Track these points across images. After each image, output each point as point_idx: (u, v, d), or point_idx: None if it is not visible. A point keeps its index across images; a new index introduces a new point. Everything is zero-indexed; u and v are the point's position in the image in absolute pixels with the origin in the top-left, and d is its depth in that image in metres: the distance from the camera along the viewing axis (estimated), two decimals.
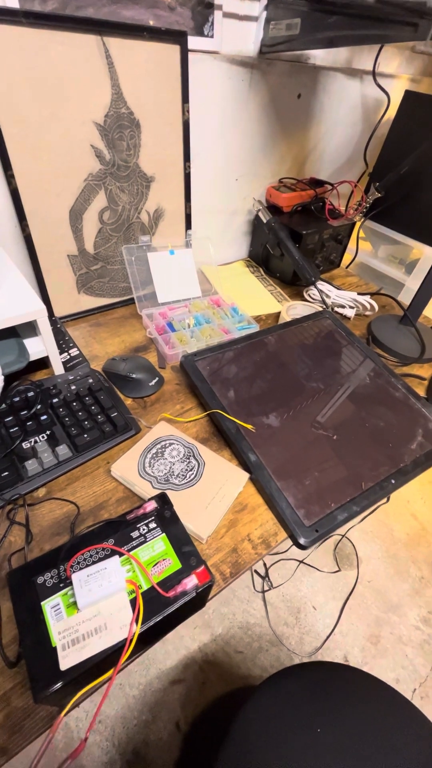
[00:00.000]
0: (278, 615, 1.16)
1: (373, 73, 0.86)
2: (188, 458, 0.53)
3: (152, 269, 0.78)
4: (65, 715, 0.28)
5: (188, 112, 0.70)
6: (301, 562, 1.26)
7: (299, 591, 1.21)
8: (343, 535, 1.32)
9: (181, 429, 0.58)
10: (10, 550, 0.44)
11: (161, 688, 1.00)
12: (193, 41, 0.66)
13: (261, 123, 0.84)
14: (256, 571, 1.23)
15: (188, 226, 0.83)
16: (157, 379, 0.64)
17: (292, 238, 0.87)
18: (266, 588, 1.20)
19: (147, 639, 0.34)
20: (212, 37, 0.69)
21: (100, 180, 0.67)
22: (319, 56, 0.83)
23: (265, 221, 0.89)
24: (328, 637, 1.12)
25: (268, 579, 1.21)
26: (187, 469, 0.52)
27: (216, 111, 0.76)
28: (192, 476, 0.51)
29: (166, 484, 0.50)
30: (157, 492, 0.48)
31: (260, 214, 0.90)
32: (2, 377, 0.52)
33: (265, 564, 1.24)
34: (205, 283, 0.87)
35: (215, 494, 0.50)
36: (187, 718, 0.96)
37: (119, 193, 0.71)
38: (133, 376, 0.63)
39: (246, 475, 0.53)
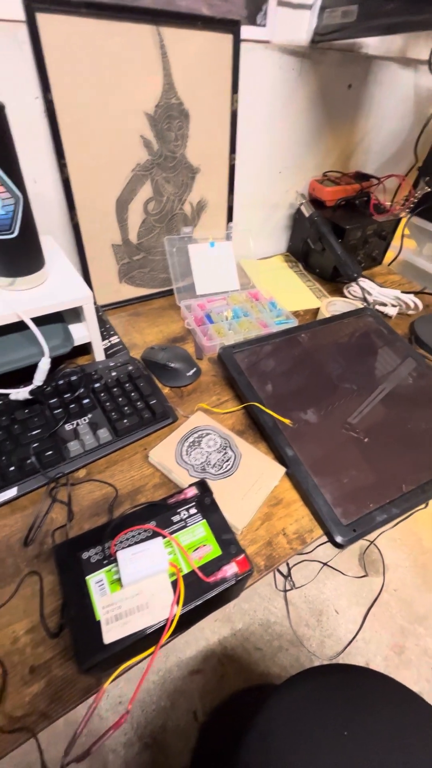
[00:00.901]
0: (299, 615, 1.14)
1: (429, 63, 0.82)
2: (225, 449, 0.53)
3: (192, 261, 0.78)
4: (107, 685, 0.28)
5: (237, 102, 0.70)
6: (324, 564, 1.24)
7: (322, 593, 1.20)
8: (371, 542, 1.29)
9: (218, 420, 0.58)
10: (52, 526, 0.45)
11: (180, 677, 1.01)
12: (245, 30, 0.65)
13: (308, 114, 0.83)
14: (278, 570, 1.22)
15: (230, 218, 0.83)
16: (194, 369, 0.65)
17: (334, 233, 0.85)
18: (288, 587, 1.19)
19: (183, 623, 0.35)
20: (264, 26, 0.68)
21: (147, 170, 0.68)
22: (372, 45, 0.80)
23: (307, 215, 0.88)
24: (350, 642, 1.10)
25: (291, 578, 1.20)
26: (223, 460, 0.52)
27: (264, 101, 0.76)
28: (228, 467, 0.51)
29: (202, 473, 0.50)
30: (195, 479, 0.48)
31: (303, 207, 0.89)
32: (49, 360, 0.54)
33: (288, 563, 1.23)
34: (243, 277, 0.86)
35: (251, 486, 0.49)
36: (204, 709, 0.97)
37: (165, 184, 0.71)
38: (172, 365, 0.63)
39: (282, 470, 0.52)
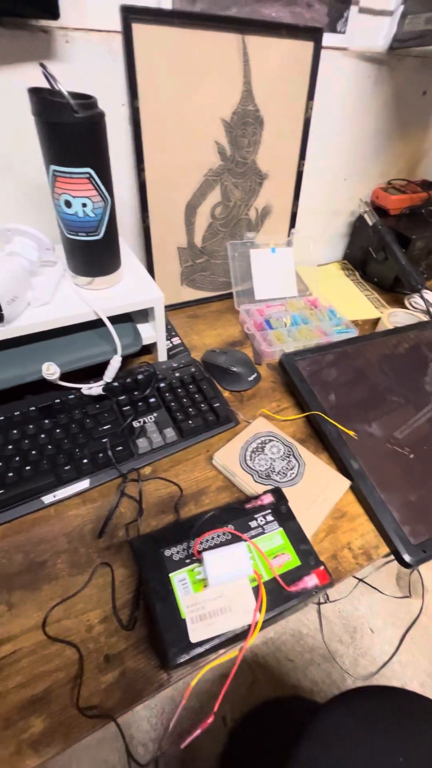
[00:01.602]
0: (332, 630, 1.12)
1: None
2: (288, 457, 0.53)
3: (253, 266, 0.79)
4: (194, 683, 0.29)
5: (311, 109, 0.69)
6: (360, 580, 1.20)
7: (357, 610, 1.16)
8: None
9: (279, 426, 0.58)
10: (121, 520, 0.47)
11: (210, 679, 1.01)
12: (326, 38, 0.65)
13: (379, 121, 0.81)
14: None
15: (292, 224, 0.83)
16: (255, 374, 0.65)
17: (398, 243, 0.83)
18: (322, 600, 1.16)
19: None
20: (344, 32, 0.68)
21: (218, 176, 0.69)
22: None
23: (370, 223, 0.86)
24: (385, 663, 1.06)
25: (325, 591, 1.18)
26: (287, 468, 0.51)
27: (336, 108, 0.75)
28: (293, 475, 0.51)
29: (267, 480, 0.50)
30: (260, 485, 0.48)
31: (366, 215, 0.87)
32: (121, 358, 0.55)
33: None
34: (299, 283, 0.85)
35: (317, 497, 0.49)
36: (233, 714, 0.96)
37: (233, 189, 0.72)
38: (234, 369, 0.63)
39: (347, 482, 0.51)
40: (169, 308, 0.79)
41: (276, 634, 1.09)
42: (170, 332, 0.72)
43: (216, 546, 0.34)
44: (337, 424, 0.56)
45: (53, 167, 0.44)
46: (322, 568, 0.34)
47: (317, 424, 0.57)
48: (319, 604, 1.16)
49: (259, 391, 0.65)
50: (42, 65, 0.39)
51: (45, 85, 0.41)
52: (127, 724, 0.93)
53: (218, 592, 0.32)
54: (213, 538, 0.35)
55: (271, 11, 0.60)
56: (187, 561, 0.34)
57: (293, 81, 0.66)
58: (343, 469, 0.53)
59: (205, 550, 0.34)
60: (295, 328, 0.74)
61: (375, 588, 1.19)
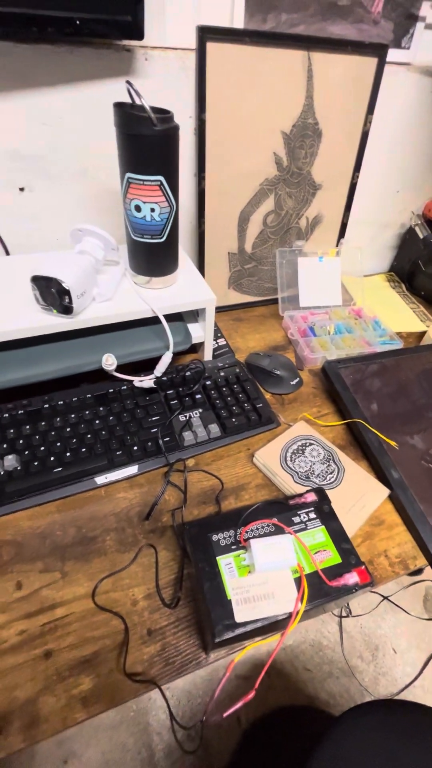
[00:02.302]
0: (353, 646, 1.10)
1: None
2: (328, 461, 0.54)
3: (300, 273, 0.80)
4: (237, 659, 0.31)
5: (370, 123, 0.71)
6: (385, 598, 1.18)
7: (380, 628, 1.14)
8: None
9: (319, 431, 0.59)
10: (166, 506, 0.49)
11: (227, 678, 1.02)
12: (389, 53, 0.66)
13: None
14: None
15: (341, 234, 0.84)
16: (298, 379, 0.66)
17: None
18: (344, 614, 1.15)
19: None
20: (408, 48, 0.69)
21: (273, 185, 0.71)
22: None
23: (421, 236, 0.85)
24: (407, 686, 1.03)
25: (347, 605, 1.16)
26: (327, 472, 0.52)
27: (394, 121, 0.76)
28: (332, 479, 0.52)
29: (306, 481, 0.51)
30: (299, 486, 0.50)
31: (417, 228, 0.87)
32: (172, 354, 0.59)
33: None
34: (344, 293, 0.86)
35: (355, 502, 0.50)
36: (248, 716, 0.97)
37: (286, 199, 0.74)
38: (277, 372, 0.65)
39: (386, 491, 0.51)
40: (216, 310, 0.82)
41: (295, 643, 1.09)
42: (217, 333, 0.74)
43: (260, 536, 0.36)
44: (378, 434, 0.57)
45: (128, 174, 0.48)
46: (363, 567, 0.35)
47: (358, 432, 0.58)
48: (340, 617, 1.14)
49: (300, 395, 0.66)
50: (128, 83, 0.42)
51: (123, 99, 0.45)
52: (144, 710, 0.96)
53: (262, 579, 0.34)
54: (258, 529, 0.37)
55: (338, 28, 0.62)
56: (233, 547, 0.36)
57: (354, 95, 0.67)
58: (383, 478, 0.53)
59: (250, 538, 0.36)
60: (339, 337, 0.75)
61: (400, 607, 1.16)
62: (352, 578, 0.35)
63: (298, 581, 0.34)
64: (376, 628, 1.14)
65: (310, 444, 0.56)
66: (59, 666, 0.37)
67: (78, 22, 0.45)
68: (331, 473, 0.52)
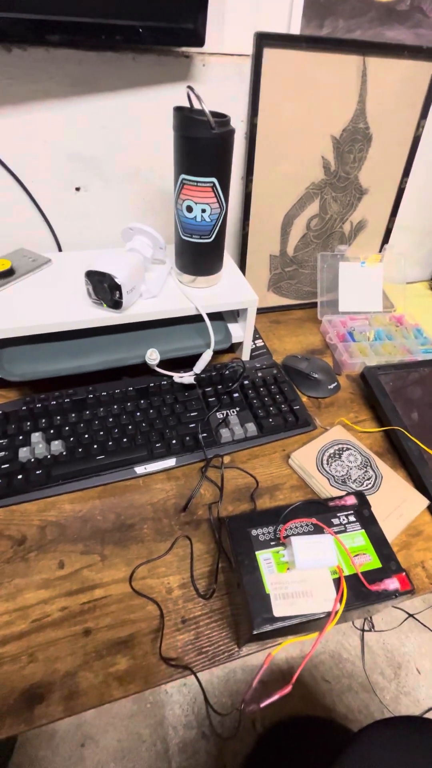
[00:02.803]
0: (375, 662, 1.07)
1: None
2: (365, 467, 0.53)
3: (341, 278, 0.80)
4: (275, 653, 0.31)
5: (423, 127, 0.69)
6: (410, 615, 1.14)
7: (404, 646, 1.10)
8: None
9: (356, 437, 0.58)
10: (201, 500, 0.50)
11: (243, 680, 1.02)
12: None
13: None
14: None
15: (386, 240, 0.82)
16: (336, 383, 0.66)
17: None
18: (367, 628, 1.12)
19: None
20: None
21: (319, 189, 0.71)
22: None
23: None
24: (431, 709, 0.99)
25: (370, 619, 1.13)
26: (364, 477, 0.52)
27: None
28: (369, 485, 0.51)
29: (343, 485, 0.51)
30: (335, 490, 0.50)
31: None
32: (212, 352, 0.60)
33: None
34: (386, 299, 0.85)
35: (393, 510, 0.49)
36: (263, 721, 0.96)
37: (331, 203, 0.74)
38: (315, 375, 0.65)
39: (426, 501, 0.50)
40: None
41: (315, 652, 1.07)
42: (255, 334, 0.75)
43: (300, 534, 0.36)
44: (419, 443, 0.55)
45: (183, 176, 0.49)
46: (404, 574, 0.35)
47: (397, 440, 0.57)
48: (363, 630, 1.12)
49: (337, 400, 0.66)
50: (189, 87, 0.44)
51: (179, 103, 0.47)
52: (160, 703, 0.97)
53: (301, 577, 0.34)
54: (298, 527, 0.37)
55: (395, 33, 0.62)
56: (272, 543, 0.36)
57: (407, 100, 0.67)
58: (422, 488, 0.52)
59: (290, 536, 0.36)
60: (379, 343, 0.74)
61: (427, 627, 1.12)
62: (392, 584, 0.34)
63: (337, 582, 0.34)
64: (399, 646, 1.11)
65: (348, 449, 0.55)
66: (97, 644, 0.38)
67: (142, 31, 0.47)
68: (368, 479, 0.52)
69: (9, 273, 0.58)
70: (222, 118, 0.46)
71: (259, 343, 0.74)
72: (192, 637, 0.39)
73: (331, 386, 0.65)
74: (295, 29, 0.58)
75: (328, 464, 0.53)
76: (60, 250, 0.67)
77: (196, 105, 0.45)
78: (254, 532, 0.37)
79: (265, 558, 0.36)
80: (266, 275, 0.79)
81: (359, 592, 0.34)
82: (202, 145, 0.46)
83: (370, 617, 1.13)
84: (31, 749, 0.89)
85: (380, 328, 0.77)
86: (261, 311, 0.83)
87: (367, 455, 0.55)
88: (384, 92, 0.64)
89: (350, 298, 0.81)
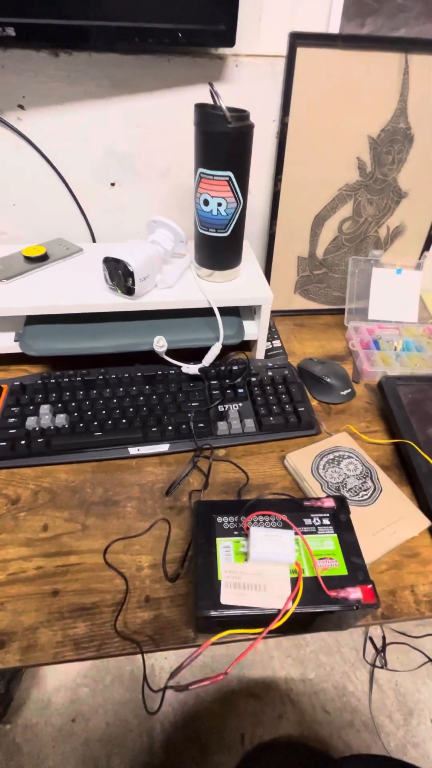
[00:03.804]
0: (383, 702, 0.99)
1: None
2: (365, 478, 0.50)
3: (373, 285, 0.76)
4: (211, 644, 0.30)
5: None
6: (430, 660, 1.04)
7: (419, 692, 1.01)
8: None
9: (363, 447, 0.55)
10: (188, 488, 0.50)
11: (239, 691, 0.99)
12: None
13: None
14: (371, 640, 1.08)
15: (426, 247, 0.78)
16: (349, 390, 0.63)
17: None
18: (378, 664, 1.04)
19: (282, 627, 0.34)
20: None
21: (353, 191, 0.69)
22: None
23: None
24: None
25: (384, 655, 1.05)
26: (361, 488, 0.49)
27: None
28: (365, 497, 0.48)
29: (336, 493, 0.48)
30: (326, 494, 0.47)
31: None
32: (221, 346, 0.60)
33: (384, 637, 1.07)
34: (422, 310, 0.79)
35: (386, 526, 0.45)
36: (253, 738, 0.92)
37: (366, 206, 0.71)
38: (327, 380, 0.63)
39: (427, 523, 0.46)
40: (279, 313, 0.82)
41: (317, 678, 1.02)
42: (273, 334, 0.74)
43: (267, 528, 0.35)
44: (430, 459, 0.51)
45: (201, 170, 0.51)
46: (370, 586, 0.32)
47: (407, 455, 0.53)
48: (373, 666, 1.03)
49: (350, 408, 0.63)
50: (210, 84, 0.45)
51: (209, 102, 0.48)
52: (152, 696, 0.97)
53: (257, 570, 0.33)
54: (264, 521, 0.36)
55: None
56: (235, 532, 0.36)
57: None
58: (426, 508, 0.48)
59: (255, 526, 0.35)
60: (406, 354, 0.69)
61: None
62: (354, 593, 0.32)
63: (294, 581, 0.33)
64: (414, 691, 1.01)
65: (349, 457, 0.53)
66: (62, 605, 0.40)
67: (178, 33, 0.50)
68: (365, 490, 0.49)
69: (43, 258, 0.63)
70: (240, 113, 0.47)
71: (277, 343, 0.73)
72: (151, 617, 0.39)
73: (344, 392, 0.63)
74: (334, 29, 0.57)
75: (323, 469, 0.51)
76: (94, 241, 0.72)
77: (217, 102, 0.46)
78: (219, 519, 0.37)
79: (224, 545, 0.35)
80: (293, 277, 0.78)
81: (316, 596, 0.32)
82: (218, 139, 0.47)
83: (383, 653, 1.04)
84: (26, 713, 0.93)
85: (410, 338, 0.72)
86: (286, 313, 0.82)
87: (370, 466, 0.52)
88: (428, 91, 0.61)
89: (382, 305, 0.77)
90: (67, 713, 0.94)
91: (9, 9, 0.45)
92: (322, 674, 1.02)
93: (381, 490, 0.49)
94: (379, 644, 1.06)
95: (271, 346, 0.72)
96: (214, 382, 0.60)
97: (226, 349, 0.67)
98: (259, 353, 0.68)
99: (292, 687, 1.00)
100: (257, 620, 0.32)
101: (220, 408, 0.58)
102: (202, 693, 0.98)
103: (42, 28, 0.48)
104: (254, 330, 0.65)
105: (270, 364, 0.65)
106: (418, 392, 0.60)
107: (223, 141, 0.48)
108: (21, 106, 0.58)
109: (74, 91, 0.57)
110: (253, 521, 0.36)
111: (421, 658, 1.04)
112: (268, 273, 0.77)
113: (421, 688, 1.01)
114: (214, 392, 0.59)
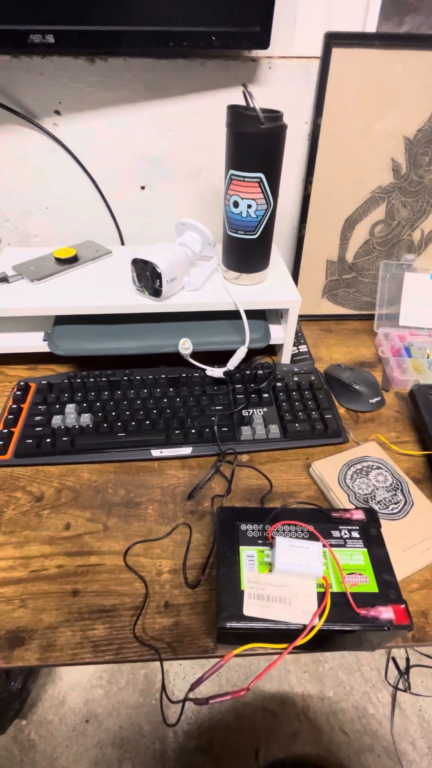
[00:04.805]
0: (406, 728, 0.94)
1: None
2: (395, 490, 0.48)
3: (405, 290, 0.74)
4: (235, 655, 0.29)
5: None
6: None
7: None
8: None
9: (393, 458, 0.53)
10: (210, 492, 0.50)
11: (253, 705, 0.96)
12: None
13: None
14: (394, 660, 1.03)
15: None
16: (379, 398, 0.61)
17: None
18: (401, 687, 0.99)
19: (309, 643, 0.32)
20: None
21: (387, 193, 0.67)
22: None
23: None
24: None
25: (408, 678, 1.00)
26: (391, 501, 0.47)
27: None
28: (396, 510, 0.46)
29: (364, 504, 0.46)
30: (354, 506, 0.45)
31: None
32: (246, 349, 0.59)
33: (408, 658, 1.02)
34: None
35: (418, 542, 0.43)
36: (267, 754, 0.90)
37: (400, 208, 0.69)
38: (356, 387, 0.61)
39: None
40: (306, 318, 0.80)
41: (336, 696, 0.98)
42: (299, 339, 0.73)
43: (294, 538, 0.34)
44: None
45: (231, 171, 0.50)
46: (403, 606, 0.30)
47: None
48: (395, 688, 0.99)
49: (380, 416, 0.60)
50: (243, 85, 0.45)
51: (242, 103, 0.48)
52: (166, 703, 0.96)
53: (282, 582, 0.32)
54: (290, 530, 0.35)
55: None
56: (260, 541, 0.34)
57: None
58: None
59: (281, 536, 0.34)
60: None
61: None
62: (386, 613, 0.30)
63: (321, 597, 0.31)
64: None
65: (378, 468, 0.50)
66: (82, 606, 0.39)
67: (212, 37, 0.50)
68: (395, 503, 0.47)
69: (73, 260, 0.64)
70: (274, 114, 0.46)
71: (303, 348, 0.71)
72: (170, 624, 0.38)
73: (373, 400, 0.60)
74: (371, 28, 0.56)
75: (351, 479, 0.49)
76: (123, 243, 0.72)
77: (251, 103, 0.46)
78: (243, 527, 0.36)
79: (248, 554, 0.34)
80: (321, 281, 0.77)
81: (344, 613, 0.30)
82: (250, 140, 0.47)
83: (407, 675, 0.99)
84: (41, 710, 0.94)
85: None
86: (313, 318, 0.80)
87: (400, 478, 0.49)
88: None
89: (414, 311, 0.74)
90: (81, 713, 0.94)
91: (48, 17, 0.47)
92: (341, 693, 0.98)
93: (412, 504, 0.47)
94: (402, 665, 1.01)
95: (297, 351, 0.70)
96: (239, 386, 0.59)
97: (251, 353, 0.66)
98: (285, 358, 0.67)
99: (309, 704, 0.96)
100: (281, 635, 0.30)
101: (245, 413, 0.57)
102: (217, 704, 0.96)
103: (79, 35, 0.49)
104: (281, 334, 0.64)
105: (296, 369, 0.64)
106: None
107: (255, 142, 0.47)
108: (57, 112, 0.59)
109: (109, 96, 0.58)
110: (278, 530, 0.35)
111: None
112: (295, 276, 0.75)
113: None
114: (238, 396, 0.58)
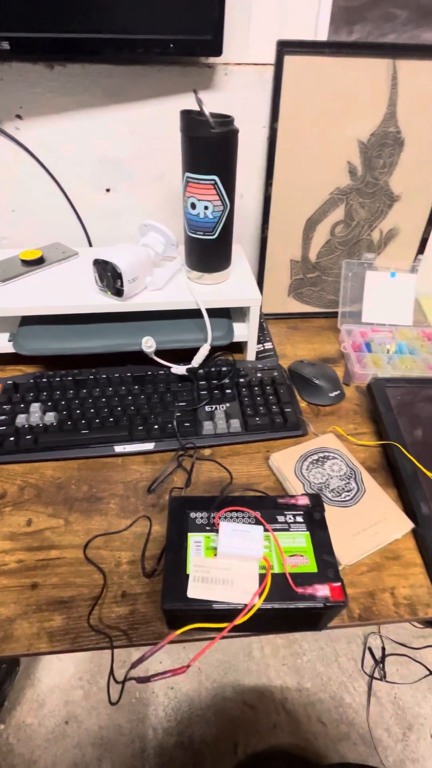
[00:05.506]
0: (381, 716, 0.96)
1: None
2: (349, 479, 0.50)
3: (366, 288, 0.76)
4: (175, 637, 0.30)
5: None
6: (431, 672, 1.01)
7: (419, 706, 0.98)
8: None
9: (349, 449, 0.55)
10: (171, 486, 0.51)
11: (232, 699, 0.97)
12: None
13: None
14: (370, 650, 1.06)
15: (421, 250, 0.77)
16: (338, 392, 0.63)
17: None
18: (377, 676, 1.01)
19: (253, 624, 0.34)
20: None
21: (345, 195, 0.70)
22: None
23: None
24: None
25: (383, 667, 1.02)
26: (344, 489, 0.49)
27: None
28: (348, 498, 0.48)
29: (317, 493, 0.48)
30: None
31: None
32: (209, 347, 0.61)
33: (383, 648, 1.05)
34: (418, 314, 0.79)
35: (368, 527, 0.45)
36: (246, 747, 0.91)
37: (358, 209, 0.72)
38: (316, 381, 0.63)
39: (410, 525, 0.46)
40: (273, 316, 0.82)
41: (314, 688, 1.00)
42: (264, 336, 0.74)
43: (239, 523, 0.35)
44: (415, 461, 0.51)
45: (187, 174, 0.52)
46: (338, 584, 0.32)
47: (393, 457, 0.53)
48: (371, 677, 1.01)
49: (339, 410, 0.62)
50: (194, 91, 0.47)
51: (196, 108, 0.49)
52: (145, 701, 0.96)
53: (226, 565, 0.33)
54: (236, 517, 0.36)
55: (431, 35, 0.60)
56: (207, 528, 0.36)
57: None
58: (410, 512, 0.47)
59: (226, 521, 0.35)
60: (398, 357, 0.69)
61: None
62: (322, 590, 0.32)
63: (262, 578, 0.33)
64: (414, 705, 0.98)
65: (333, 458, 0.52)
66: (40, 598, 0.40)
67: (168, 44, 0.51)
68: (348, 491, 0.48)
69: (39, 261, 0.65)
70: (224, 119, 0.48)
71: (268, 345, 0.73)
72: (126, 612, 0.40)
73: (333, 394, 0.62)
74: (322, 36, 0.59)
75: (307, 470, 0.51)
76: (90, 245, 0.73)
77: (202, 108, 0.48)
78: (192, 515, 0.37)
79: (195, 540, 0.35)
80: (287, 280, 0.79)
81: (284, 592, 0.32)
82: (202, 144, 0.49)
83: (383, 664, 1.02)
84: (19, 714, 0.93)
85: (404, 341, 0.72)
86: (280, 316, 0.82)
87: (355, 468, 0.51)
88: (417, 95, 0.62)
89: (376, 309, 0.77)
90: (61, 715, 0.94)
91: (3, 23, 0.48)
92: (319, 684, 1.00)
93: (364, 492, 0.49)
94: (378, 655, 1.04)
95: (262, 348, 0.72)
96: (203, 382, 0.61)
97: (218, 351, 0.67)
98: (250, 355, 0.68)
99: (287, 696, 0.98)
100: (225, 615, 0.32)
101: (208, 408, 0.58)
102: (196, 700, 0.97)
103: (35, 42, 0.50)
104: (244, 332, 0.66)
105: (260, 366, 0.65)
106: (407, 394, 0.60)
107: (207, 146, 0.49)
108: (19, 116, 0.60)
109: (69, 101, 0.59)
110: (225, 517, 0.36)
111: (421, 671, 1.01)
112: (261, 276, 0.77)
113: (422, 702, 0.98)
114: (202, 393, 0.60)
